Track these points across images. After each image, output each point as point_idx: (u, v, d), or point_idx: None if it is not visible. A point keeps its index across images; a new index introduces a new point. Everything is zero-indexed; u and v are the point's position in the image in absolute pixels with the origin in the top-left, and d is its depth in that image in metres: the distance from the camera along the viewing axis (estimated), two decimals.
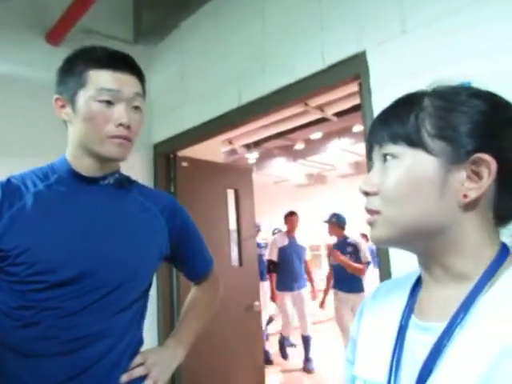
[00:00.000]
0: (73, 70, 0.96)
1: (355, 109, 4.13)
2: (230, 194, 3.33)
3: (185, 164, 2.97)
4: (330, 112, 4.84)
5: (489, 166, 0.52)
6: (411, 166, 0.55)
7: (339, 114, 5.15)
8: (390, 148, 0.57)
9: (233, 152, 7.25)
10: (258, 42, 2.24)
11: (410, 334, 0.58)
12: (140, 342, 1.07)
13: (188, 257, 1.18)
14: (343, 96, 4.01)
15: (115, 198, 1.03)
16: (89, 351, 0.92)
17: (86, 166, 0.99)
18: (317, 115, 4.92)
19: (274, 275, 4.93)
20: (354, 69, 1.79)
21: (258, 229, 5.75)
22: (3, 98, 2.27)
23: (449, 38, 1.48)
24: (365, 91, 1.75)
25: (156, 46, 2.98)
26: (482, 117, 0.54)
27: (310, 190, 10.43)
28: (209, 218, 2.99)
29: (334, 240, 4.42)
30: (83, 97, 0.94)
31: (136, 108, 0.98)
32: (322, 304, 4.85)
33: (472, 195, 0.53)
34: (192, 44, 2.72)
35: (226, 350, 2.92)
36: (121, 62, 0.97)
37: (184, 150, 2.91)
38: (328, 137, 7.16)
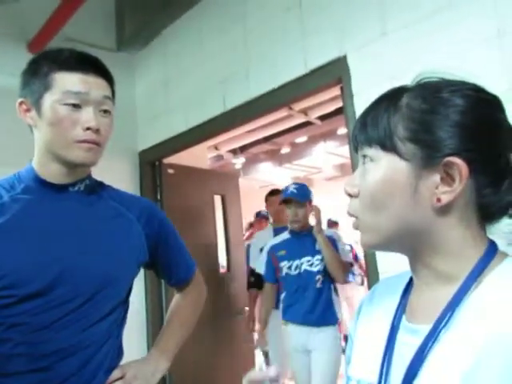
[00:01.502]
0: (38, 72, 0.91)
1: (339, 112, 4.18)
2: (217, 200, 3.33)
3: (171, 171, 2.96)
4: (313, 115, 4.88)
5: (460, 169, 0.51)
6: (385, 171, 0.55)
7: (323, 118, 5.20)
8: (367, 151, 0.57)
9: (219, 158, 7.25)
10: (241, 47, 2.26)
11: (400, 335, 0.58)
12: (119, 352, 1.03)
13: (168, 262, 1.14)
14: (326, 99, 4.05)
15: (86, 204, 0.99)
16: (63, 366, 0.88)
17: (53, 173, 0.95)
18: (301, 119, 4.96)
19: (256, 294, 3.17)
20: (335, 73, 1.82)
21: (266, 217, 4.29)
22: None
23: (429, 40, 1.51)
24: (347, 95, 1.77)
25: (139, 53, 2.98)
26: (460, 118, 0.52)
27: None
28: (196, 224, 2.99)
29: (284, 234, 2.60)
30: (49, 100, 0.90)
31: (105, 111, 0.95)
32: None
33: (445, 199, 0.52)
34: (175, 51, 2.72)
35: (214, 355, 2.91)
36: (88, 64, 0.93)
37: (170, 157, 2.91)
38: (313, 140, 7.21)
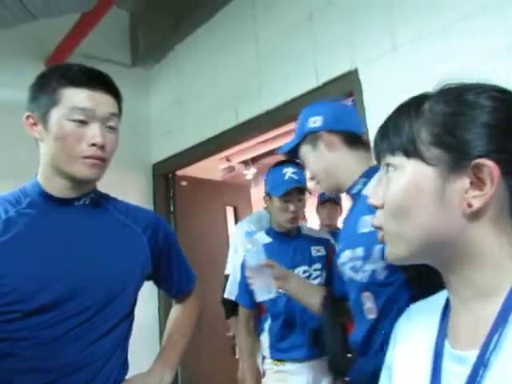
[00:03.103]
0: (46, 86, 0.91)
1: None
2: (229, 211, 3.35)
3: (184, 183, 2.99)
4: None
5: (491, 171, 0.47)
6: (410, 177, 0.53)
7: None
8: (390, 159, 0.55)
9: (231, 169, 7.29)
10: (253, 62, 2.29)
11: (446, 364, 0.52)
12: (125, 365, 1.02)
13: (171, 274, 1.14)
14: None
15: (91, 217, 0.99)
16: (70, 381, 0.88)
17: (58, 187, 0.94)
18: None
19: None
20: (347, 86, 1.84)
21: None
22: (2, 123, 2.30)
23: (438, 53, 1.52)
24: (358, 107, 1.79)
25: (153, 69, 3.04)
26: (488, 118, 0.50)
27: (309, 203, 10.42)
28: (208, 235, 3.00)
29: (262, 237, 1.79)
30: (55, 115, 0.89)
31: (111, 128, 0.94)
32: None
33: (476, 204, 0.48)
34: (188, 66, 2.77)
35: (226, 361, 2.91)
36: (96, 81, 0.92)
37: (183, 170, 2.94)
38: None
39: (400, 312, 0.93)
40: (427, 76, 1.56)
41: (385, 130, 0.57)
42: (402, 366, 0.61)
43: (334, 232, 2.30)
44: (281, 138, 5.25)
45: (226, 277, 2.30)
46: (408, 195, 0.52)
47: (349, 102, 1.95)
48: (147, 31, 2.93)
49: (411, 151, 0.52)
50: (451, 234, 0.50)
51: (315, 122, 1.19)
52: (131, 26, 3.06)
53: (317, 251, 1.77)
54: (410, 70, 1.60)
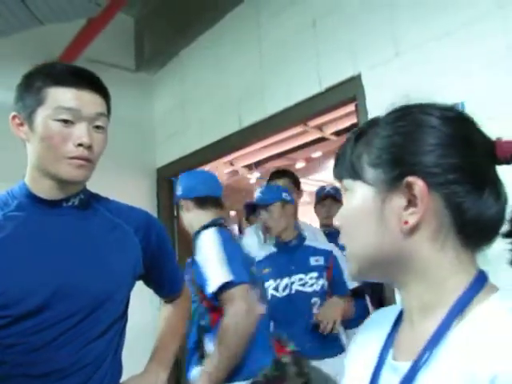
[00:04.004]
0: (31, 86, 0.89)
1: (354, 127, 4.17)
2: (233, 215, 3.36)
3: None
4: (328, 131, 4.89)
5: (420, 188, 0.49)
6: (355, 199, 0.55)
7: (338, 133, 5.20)
8: (343, 182, 0.58)
9: (234, 173, 7.30)
10: (257, 67, 2.31)
11: (384, 373, 0.54)
12: (119, 368, 1.01)
13: (163, 274, 1.13)
14: (341, 115, 4.07)
15: (81, 219, 0.96)
16: None
17: (45, 189, 0.92)
18: (316, 135, 4.97)
19: None
20: (350, 91, 1.85)
21: None
22: (7, 128, 2.33)
23: (441, 58, 1.53)
24: (361, 112, 1.80)
25: (157, 73, 3.06)
26: (430, 137, 0.51)
27: (312, 209, 10.37)
28: None
29: (268, 247, 2.14)
30: (41, 115, 0.87)
31: (98, 128, 0.92)
32: None
33: (411, 220, 0.50)
34: (192, 71, 2.79)
35: None
36: (83, 80, 0.90)
37: None
38: (328, 155, 7.20)
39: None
40: (430, 81, 1.57)
41: (337, 157, 0.60)
42: (348, 376, 0.63)
43: (332, 232, 2.31)
44: (284, 143, 5.25)
45: None
46: (353, 215, 0.55)
47: (352, 106, 1.96)
48: (152, 36, 2.95)
49: (353, 173, 0.55)
50: (394, 251, 0.52)
51: (179, 191, 1.74)
52: (136, 31, 3.08)
53: (315, 261, 1.98)
54: (413, 75, 1.61)
